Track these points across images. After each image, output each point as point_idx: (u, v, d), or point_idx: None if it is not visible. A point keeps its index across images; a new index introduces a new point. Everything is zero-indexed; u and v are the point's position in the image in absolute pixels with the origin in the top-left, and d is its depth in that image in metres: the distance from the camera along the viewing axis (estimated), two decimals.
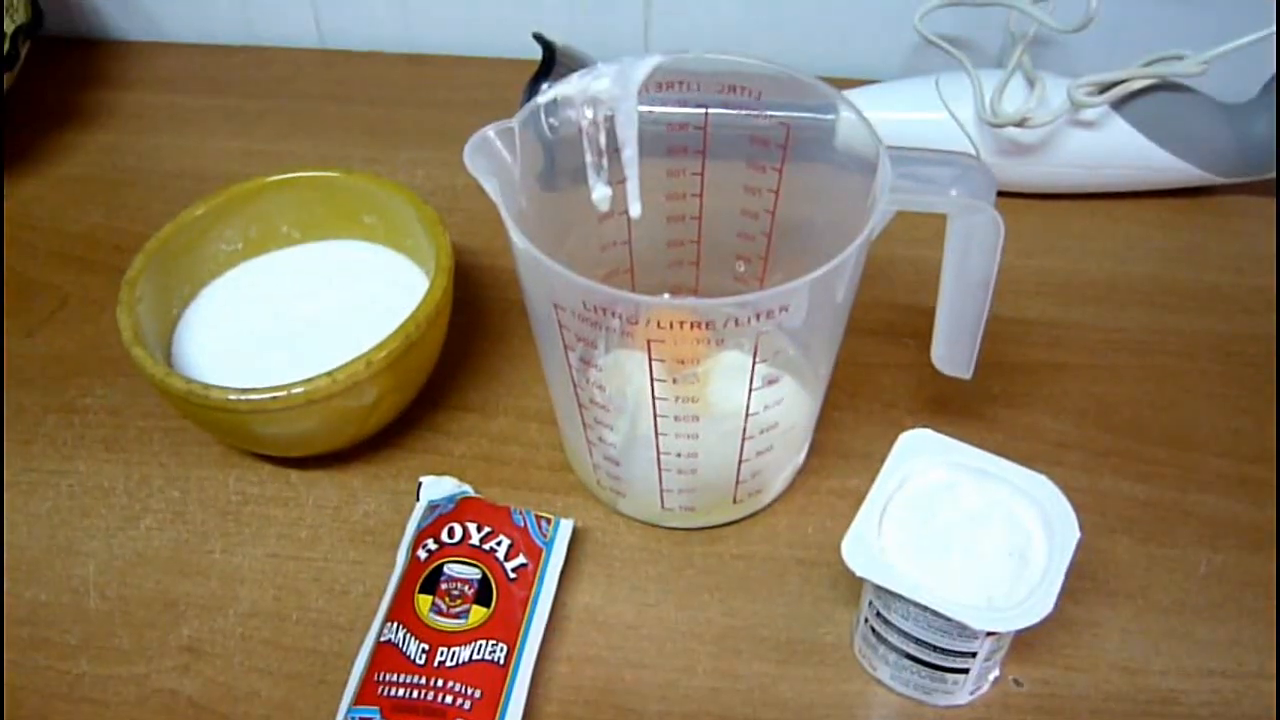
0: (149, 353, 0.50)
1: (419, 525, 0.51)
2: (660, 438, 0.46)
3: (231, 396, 0.48)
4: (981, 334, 0.49)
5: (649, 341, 0.41)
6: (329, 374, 0.48)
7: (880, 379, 0.59)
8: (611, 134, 0.47)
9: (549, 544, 0.50)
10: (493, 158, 0.43)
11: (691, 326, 0.41)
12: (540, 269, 0.40)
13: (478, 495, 0.52)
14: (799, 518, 0.53)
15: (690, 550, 0.52)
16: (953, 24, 0.72)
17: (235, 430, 0.52)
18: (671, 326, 0.41)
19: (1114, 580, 0.51)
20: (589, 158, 0.48)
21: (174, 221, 0.56)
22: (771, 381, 0.45)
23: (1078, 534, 0.42)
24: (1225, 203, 0.69)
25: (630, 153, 0.48)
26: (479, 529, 0.50)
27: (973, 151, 0.65)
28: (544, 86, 0.60)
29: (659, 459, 0.48)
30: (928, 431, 0.46)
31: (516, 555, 0.49)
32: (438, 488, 0.53)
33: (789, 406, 0.47)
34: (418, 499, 0.53)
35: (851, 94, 0.67)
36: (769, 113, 0.47)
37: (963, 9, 0.68)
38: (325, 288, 0.58)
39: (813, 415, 0.52)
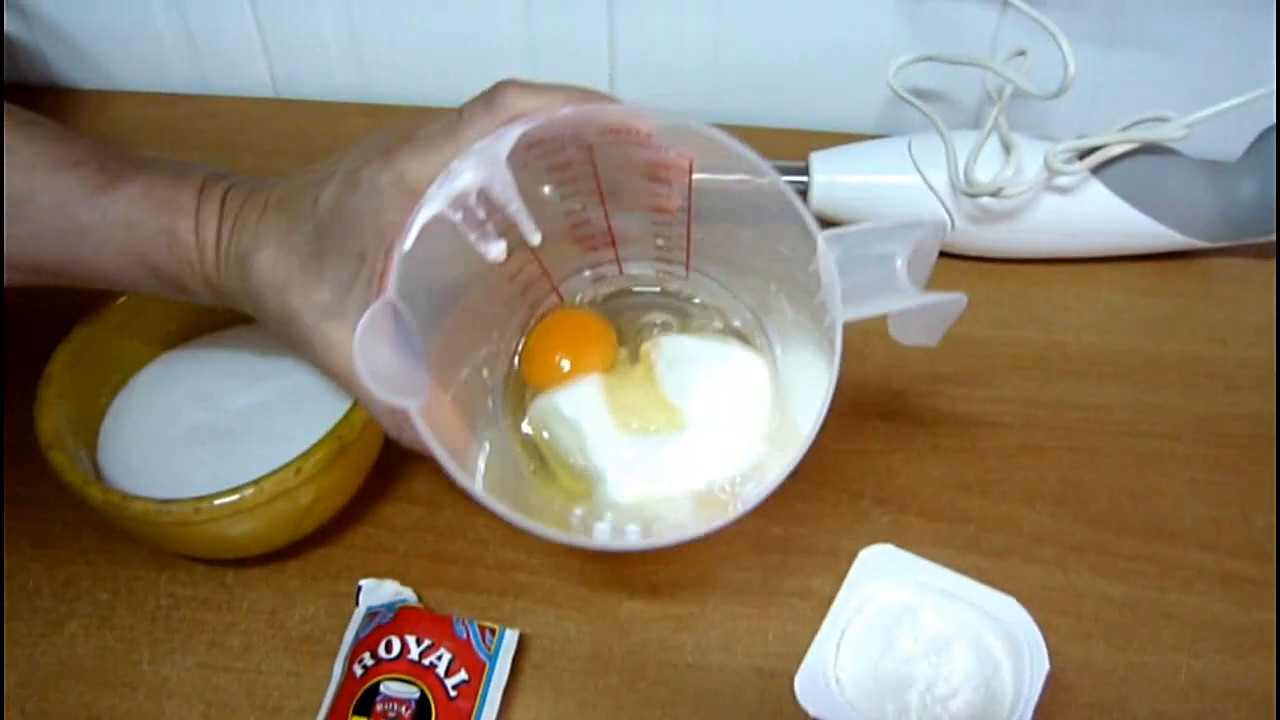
0: (68, 456, 0.48)
1: (356, 636, 0.48)
2: None
3: (152, 508, 0.45)
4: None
5: None
6: (256, 482, 0.46)
7: (847, 467, 0.56)
8: (489, 203, 0.41)
9: (493, 657, 0.48)
10: (388, 346, 0.37)
11: None
12: None
13: (418, 605, 0.49)
14: (759, 622, 0.50)
15: (645, 659, 0.49)
16: (929, 78, 0.70)
17: (160, 538, 0.49)
18: None
19: (1089, 691, 0.48)
20: (471, 237, 0.41)
21: (99, 310, 0.53)
22: None
23: (1047, 665, 0.40)
24: (1210, 266, 0.66)
25: (516, 207, 0.42)
26: (419, 642, 0.47)
27: (946, 217, 0.62)
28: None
29: None
30: (889, 548, 0.43)
31: (458, 671, 0.47)
32: (378, 593, 0.50)
33: None
34: (356, 604, 0.50)
35: (821, 155, 0.64)
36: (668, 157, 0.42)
37: (939, 64, 0.66)
38: (263, 371, 0.55)
39: None
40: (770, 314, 0.47)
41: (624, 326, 0.49)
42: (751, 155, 0.39)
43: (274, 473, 0.46)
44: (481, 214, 0.41)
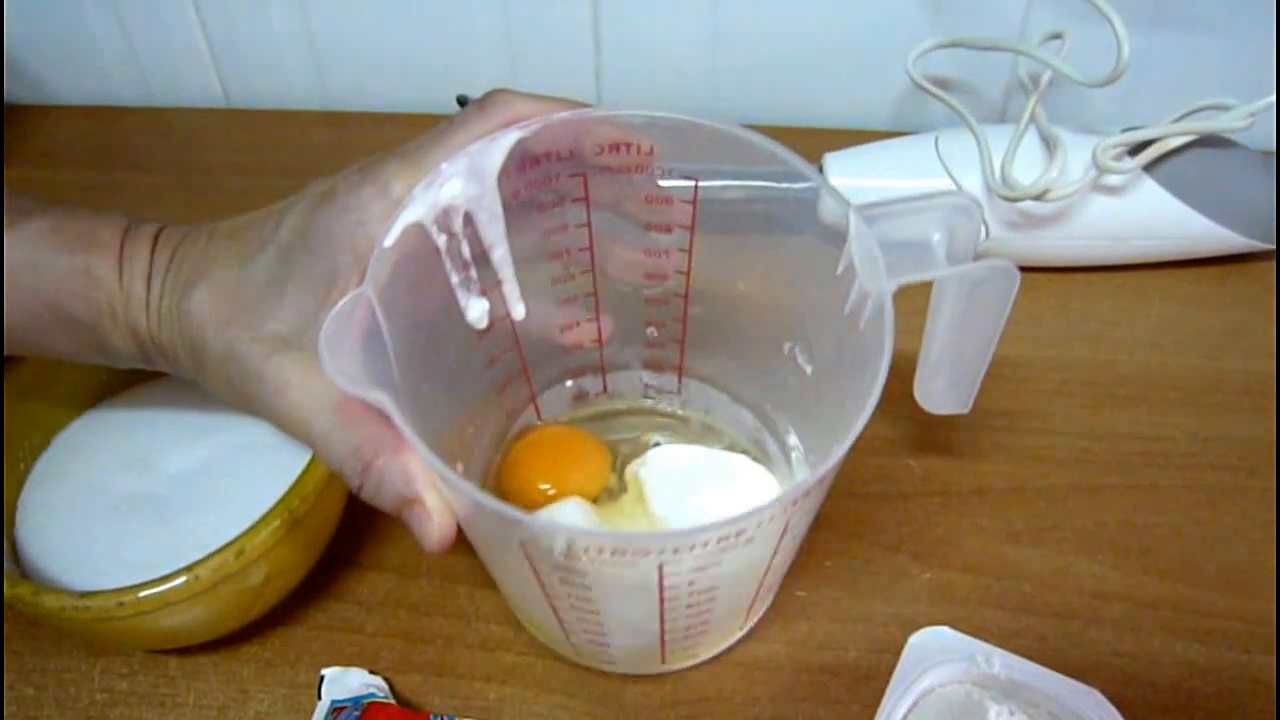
0: None
1: None
2: (667, 623, 0.37)
3: (68, 604, 0.38)
4: (986, 369, 0.42)
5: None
6: (190, 569, 0.39)
7: (879, 514, 0.49)
8: (475, 239, 0.39)
9: None
10: (360, 328, 0.33)
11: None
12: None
13: (387, 700, 0.42)
14: (786, 705, 0.43)
15: None
16: (950, 67, 0.63)
17: (83, 634, 0.42)
18: (676, 551, 0.31)
19: None
20: (454, 277, 0.39)
21: (11, 362, 0.46)
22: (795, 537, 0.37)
23: None
24: (1273, 271, 0.59)
25: (501, 253, 0.40)
26: None
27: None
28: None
29: (663, 627, 0.38)
30: (944, 631, 0.37)
31: None
32: (343, 683, 0.43)
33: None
34: (319, 696, 0.43)
35: (837, 156, 0.58)
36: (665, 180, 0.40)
37: (962, 50, 0.59)
38: (203, 427, 0.48)
39: None
40: (785, 390, 0.44)
41: (613, 448, 0.47)
42: (776, 147, 0.37)
43: (211, 556, 0.39)
44: (466, 252, 0.39)
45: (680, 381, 0.49)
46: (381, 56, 0.69)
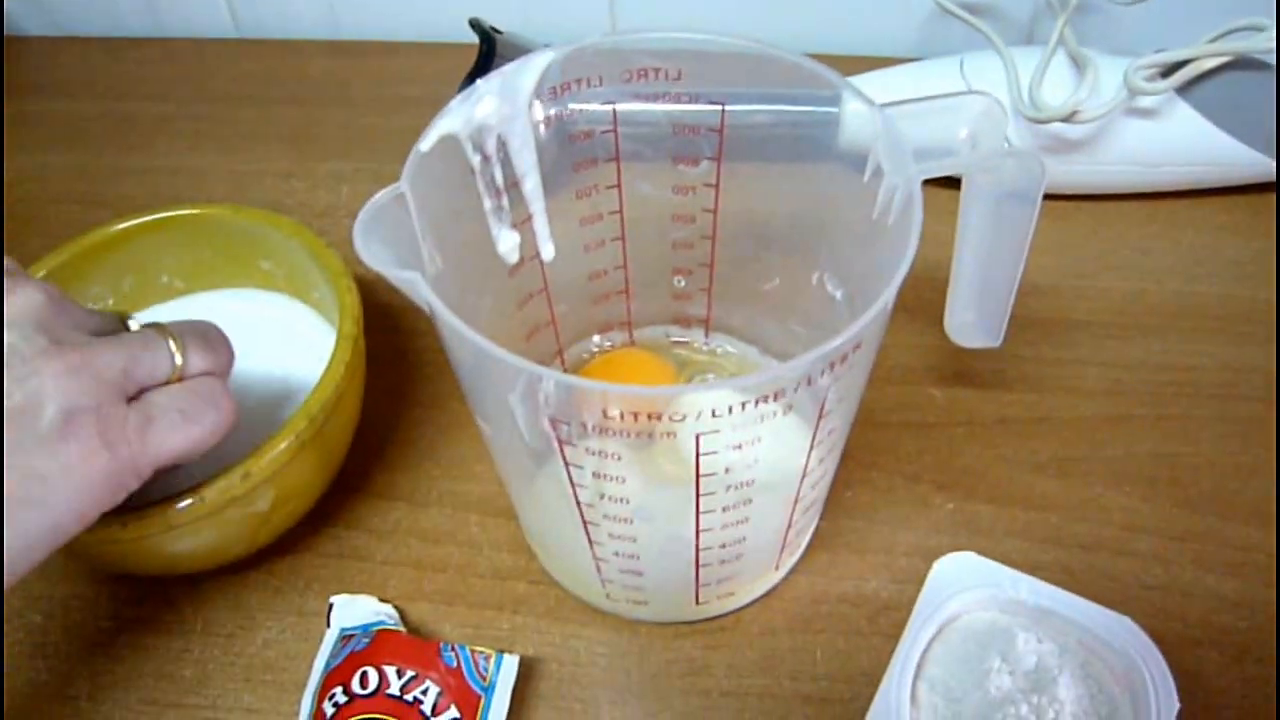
0: None
1: (327, 664, 0.41)
2: (703, 533, 0.36)
3: None
4: (1014, 296, 0.41)
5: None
6: (195, 490, 0.38)
7: (901, 443, 0.48)
8: (507, 164, 0.38)
9: (489, 689, 0.40)
10: (392, 230, 0.32)
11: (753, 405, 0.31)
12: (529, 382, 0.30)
13: (398, 628, 0.42)
14: (804, 636, 0.42)
15: (669, 686, 0.41)
16: None
17: (87, 557, 0.41)
18: (715, 414, 0.30)
19: (1202, 713, 0.40)
20: (486, 202, 0.38)
21: None
22: (832, 431, 0.35)
23: (1178, 705, 0.32)
24: None
25: (533, 183, 0.39)
26: (399, 674, 0.39)
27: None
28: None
29: (698, 555, 0.37)
30: (970, 556, 0.35)
31: (447, 708, 0.39)
32: (352, 611, 0.42)
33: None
34: (328, 624, 0.42)
35: (859, 79, 0.56)
36: (696, 104, 0.39)
37: None
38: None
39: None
40: (815, 328, 0.42)
41: None
42: (803, 61, 0.36)
43: (217, 477, 0.38)
44: (499, 177, 0.38)
45: (707, 336, 0.48)
46: None
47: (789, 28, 0.66)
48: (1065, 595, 0.34)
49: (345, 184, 0.60)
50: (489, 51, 0.51)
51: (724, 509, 0.35)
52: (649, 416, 0.30)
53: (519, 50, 0.51)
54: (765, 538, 0.39)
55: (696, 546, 0.37)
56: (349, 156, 0.62)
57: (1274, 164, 0.54)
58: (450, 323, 0.30)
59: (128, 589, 0.45)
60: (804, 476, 0.36)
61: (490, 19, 0.52)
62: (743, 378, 0.29)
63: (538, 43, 0.52)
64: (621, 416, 0.30)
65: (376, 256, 0.31)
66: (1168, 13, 0.58)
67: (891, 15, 0.65)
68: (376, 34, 0.69)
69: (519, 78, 0.37)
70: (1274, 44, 0.50)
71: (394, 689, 0.39)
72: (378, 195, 0.32)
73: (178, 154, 0.63)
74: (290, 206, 0.59)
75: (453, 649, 0.40)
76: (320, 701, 0.39)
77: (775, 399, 0.30)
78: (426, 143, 0.34)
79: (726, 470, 0.32)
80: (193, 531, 0.39)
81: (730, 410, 0.29)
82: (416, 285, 0.31)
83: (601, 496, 0.35)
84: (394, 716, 0.38)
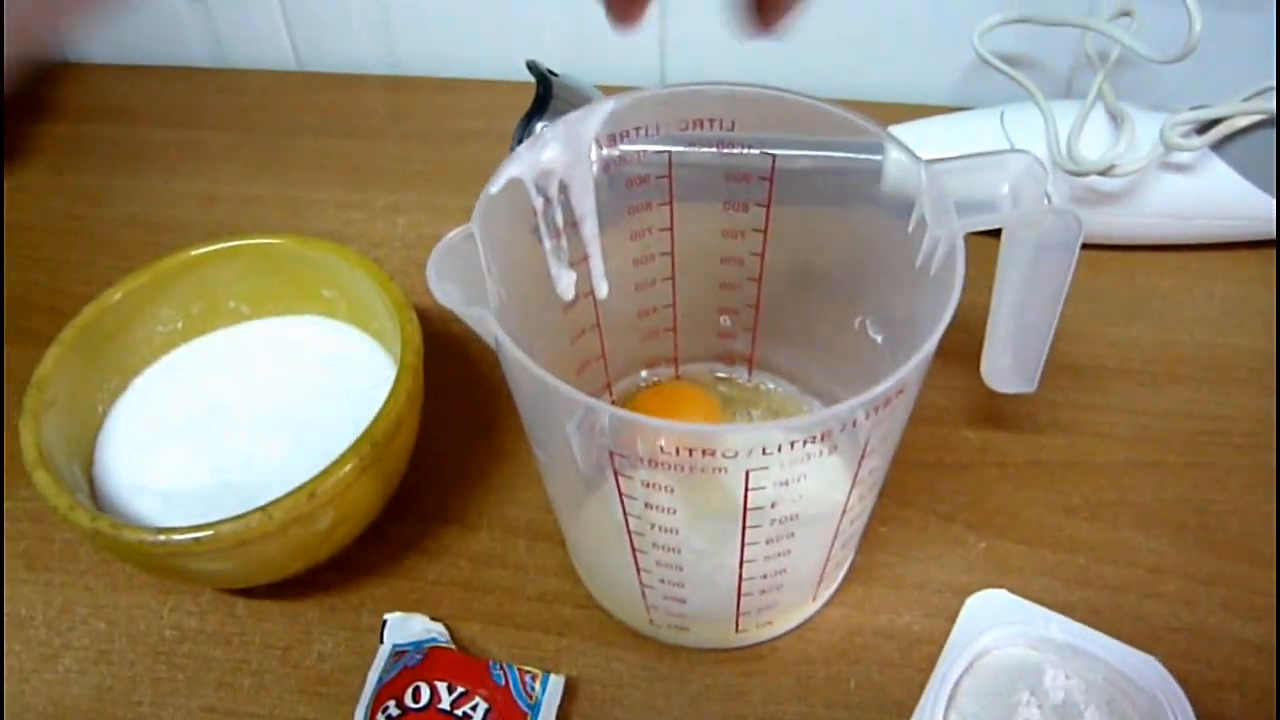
0: (55, 474, 0.42)
1: (380, 679, 0.42)
2: (746, 564, 0.38)
3: (146, 538, 0.39)
4: (1051, 341, 0.43)
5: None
6: (264, 509, 0.40)
7: (935, 482, 0.49)
8: (567, 207, 0.40)
9: (535, 707, 0.42)
10: (462, 268, 0.34)
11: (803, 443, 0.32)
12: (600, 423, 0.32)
13: (449, 645, 0.43)
14: (839, 666, 0.44)
15: (708, 710, 0.43)
16: (1016, 42, 0.63)
17: (157, 569, 0.43)
18: (765, 451, 0.32)
19: None
20: (547, 243, 0.41)
21: (94, 303, 0.47)
22: (872, 470, 0.37)
23: None
24: None
25: (591, 227, 0.41)
26: (450, 689, 0.41)
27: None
28: (538, 126, 0.52)
29: (740, 585, 0.39)
30: (1002, 594, 0.37)
31: None
32: (405, 628, 0.44)
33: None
34: (381, 640, 0.44)
35: (900, 129, 0.58)
36: (747, 148, 0.41)
37: (1029, 26, 0.59)
38: (277, 374, 0.49)
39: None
40: (856, 369, 0.44)
41: None
42: (854, 116, 0.38)
43: (284, 497, 0.40)
44: (559, 219, 0.40)
45: (750, 373, 0.50)
46: (450, 22, 0.70)
47: (832, 74, 0.68)
48: (1093, 634, 0.35)
49: (401, 215, 0.62)
50: (545, 93, 0.54)
51: (767, 541, 0.36)
52: (703, 453, 0.32)
53: (573, 92, 0.53)
54: (805, 570, 0.41)
55: (740, 576, 0.38)
56: (407, 188, 0.64)
57: None
58: (516, 357, 0.32)
59: (190, 600, 0.47)
60: (844, 513, 0.37)
61: (544, 60, 0.54)
62: (792, 419, 0.31)
63: (590, 84, 0.54)
64: (677, 451, 0.32)
65: (448, 294, 0.33)
66: (1204, 71, 0.59)
67: (935, 64, 0.67)
68: (433, 70, 0.72)
69: (582, 125, 0.39)
70: None
71: (445, 704, 0.41)
72: (449, 235, 0.34)
73: (238, 182, 0.66)
74: (348, 236, 0.61)
75: (501, 667, 0.42)
76: (373, 714, 0.41)
77: (821, 439, 0.31)
78: (496, 185, 0.36)
79: (773, 505, 0.34)
80: (259, 547, 0.41)
81: (780, 449, 0.31)
82: (485, 321, 0.33)
83: (652, 526, 0.36)
84: None
